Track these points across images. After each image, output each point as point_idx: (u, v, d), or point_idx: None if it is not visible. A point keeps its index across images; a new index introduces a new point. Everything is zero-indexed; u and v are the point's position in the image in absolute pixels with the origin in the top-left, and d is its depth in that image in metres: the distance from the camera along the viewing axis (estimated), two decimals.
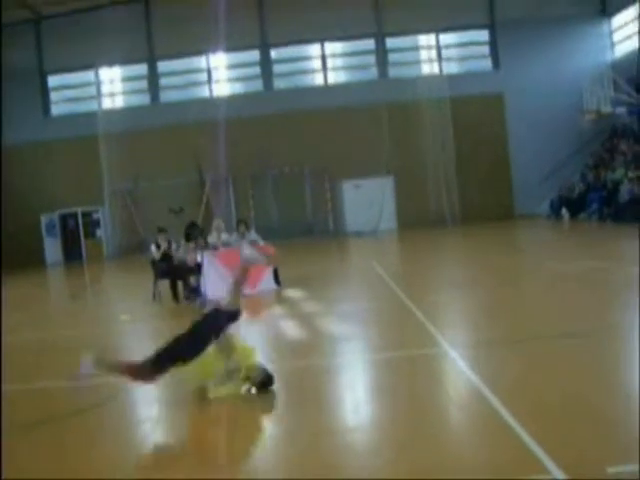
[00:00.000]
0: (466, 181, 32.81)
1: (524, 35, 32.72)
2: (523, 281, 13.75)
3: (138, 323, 12.72)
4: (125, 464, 5.39)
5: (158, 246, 15.23)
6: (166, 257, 15.09)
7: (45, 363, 9.57)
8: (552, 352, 7.42)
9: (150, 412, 6.86)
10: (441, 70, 34.50)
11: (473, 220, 31.68)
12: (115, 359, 7.64)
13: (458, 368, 7.17)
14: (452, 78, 33.33)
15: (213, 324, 7.01)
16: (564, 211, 29.32)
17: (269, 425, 6.21)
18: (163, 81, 34.76)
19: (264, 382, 6.78)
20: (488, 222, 30.64)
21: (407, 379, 7.02)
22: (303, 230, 32.33)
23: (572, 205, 29.16)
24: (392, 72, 34.44)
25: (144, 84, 34.77)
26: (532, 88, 32.43)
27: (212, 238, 15.58)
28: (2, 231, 31.77)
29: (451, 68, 34.68)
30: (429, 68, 34.90)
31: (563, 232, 25.85)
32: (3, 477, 4.11)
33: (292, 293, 14.48)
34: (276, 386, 6.92)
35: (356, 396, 6.79)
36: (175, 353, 6.79)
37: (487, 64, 34.54)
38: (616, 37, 33.72)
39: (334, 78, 34.73)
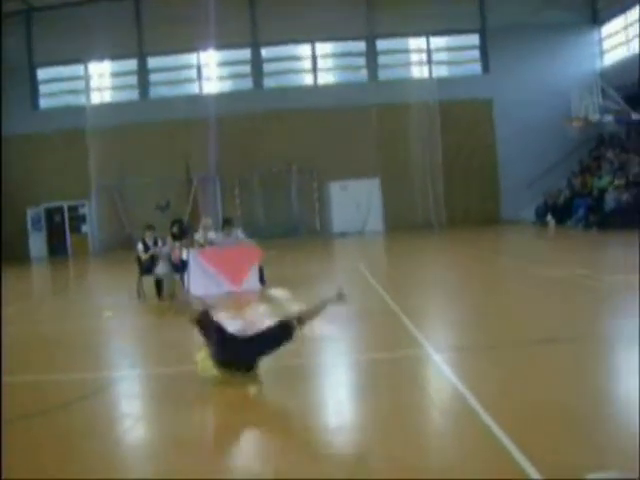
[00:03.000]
0: (453, 185, 32.92)
1: (514, 41, 32.85)
2: (507, 286, 13.80)
3: (121, 319, 12.68)
4: (102, 459, 5.37)
5: (145, 243, 15.15)
6: (152, 256, 15.03)
7: (27, 357, 9.52)
8: (535, 357, 7.44)
9: (133, 408, 6.85)
10: (431, 73, 34.61)
11: (459, 224, 31.78)
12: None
13: (441, 371, 7.18)
14: (441, 81, 33.45)
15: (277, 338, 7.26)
16: (549, 217, 29.41)
17: (250, 423, 6.20)
18: (153, 77, 34.68)
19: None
20: (474, 226, 30.72)
21: (389, 381, 7.02)
22: (289, 230, 32.31)
23: (558, 211, 29.25)
24: (382, 74, 34.52)
25: (133, 79, 34.67)
26: (521, 94, 32.58)
27: (198, 236, 15.53)
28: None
29: (441, 71, 34.78)
30: (419, 71, 34.99)
31: (548, 238, 25.94)
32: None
33: (277, 292, 14.43)
34: (258, 385, 6.94)
35: (338, 397, 6.79)
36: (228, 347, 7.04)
37: (477, 69, 34.67)
38: (605, 45, 33.91)
39: (324, 79, 34.77)
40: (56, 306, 15.78)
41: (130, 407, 6.91)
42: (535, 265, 16.11)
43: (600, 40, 34.19)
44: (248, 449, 5.58)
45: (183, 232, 15.07)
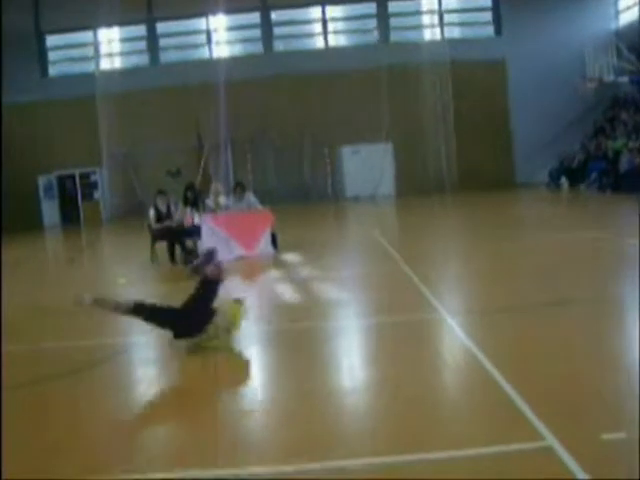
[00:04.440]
0: (466, 148, 32.65)
1: (527, 1, 32.37)
2: (521, 249, 13.72)
3: (135, 286, 12.71)
4: (118, 425, 5.39)
5: (157, 209, 15.12)
6: (164, 220, 15.00)
7: (42, 324, 9.57)
8: (549, 320, 7.41)
9: (146, 372, 6.86)
10: (443, 35, 34.19)
11: (472, 187, 31.56)
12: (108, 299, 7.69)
13: (454, 334, 7.17)
14: (454, 43, 33.02)
15: (207, 299, 7.30)
16: (563, 180, 29.22)
17: (263, 384, 6.22)
18: (162, 42, 34.44)
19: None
20: (487, 189, 30.51)
21: (403, 343, 7.01)
22: (301, 194, 32.24)
23: (572, 174, 29.05)
24: (393, 36, 34.15)
25: (143, 45, 34.46)
26: (534, 55, 32.13)
27: (209, 201, 15.50)
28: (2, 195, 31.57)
29: (453, 33, 34.36)
30: (431, 33, 34.59)
31: (562, 201, 25.80)
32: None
33: (289, 257, 14.47)
34: (272, 347, 6.94)
35: (351, 359, 6.80)
36: (165, 321, 7.19)
37: (489, 30, 34.23)
38: (621, 5, 33.39)
39: (335, 41, 34.46)
40: (70, 273, 15.82)
41: (144, 372, 6.92)
42: (549, 228, 16.04)
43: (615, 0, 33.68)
44: (260, 412, 5.58)
45: (196, 197, 15.06)
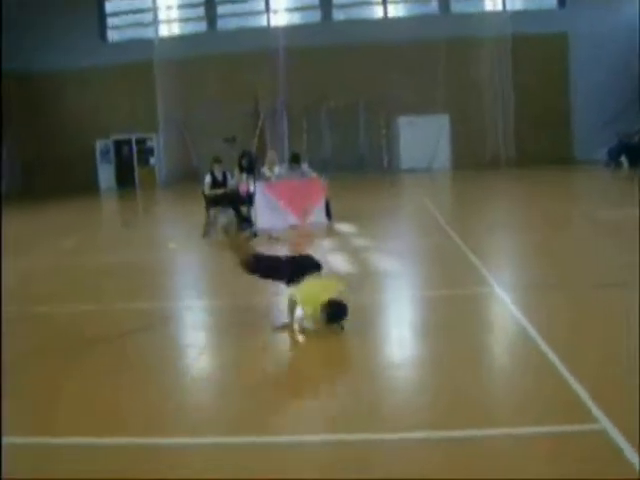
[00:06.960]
0: (523, 123, 32.06)
1: None
2: (576, 227, 13.50)
3: (188, 250, 12.84)
4: (168, 388, 5.45)
5: (213, 176, 15.14)
6: (219, 187, 15.03)
7: (94, 286, 9.71)
8: (603, 300, 7.28)
9: (197, 338, 6.92)
10: (504, 6, 33.47)
11: (528, 163, 31.04)
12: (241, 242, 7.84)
13: (507, 309, 7.09)
14: (515, 15, 32.32)
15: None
16: (623, 158, 28.52)
17: (315, 358, 6.22)
18: (220, 9, 34.41)
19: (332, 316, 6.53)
20: (544, 166, 29.97)
21: (455, 317, 6.97)
22: (356, 165, 32.06)
23: (632, 153, 28.33)
24: (454, 7, 33.57)
25: (201, 11, 34.47)
26: (597, 29, 31.25)
27: (265, 169, 15.53)
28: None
29: (515, 5, 33.62)
30: (492, 4, 33.90)
31: (620, 180, 25.23)
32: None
33: (342, 227, 14.45)
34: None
35: (403, 332, 6.76)
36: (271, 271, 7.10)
37: (552, 2, 33.43)
38: None
39: (394, 11, 34.02)
40: (124, 237, 16.03)
41: (195, 338, 6.99)
42: (605, 207, 15.72)
43: None
44: (310, 383, 5.60)
45: (251, 164, 15.06)
